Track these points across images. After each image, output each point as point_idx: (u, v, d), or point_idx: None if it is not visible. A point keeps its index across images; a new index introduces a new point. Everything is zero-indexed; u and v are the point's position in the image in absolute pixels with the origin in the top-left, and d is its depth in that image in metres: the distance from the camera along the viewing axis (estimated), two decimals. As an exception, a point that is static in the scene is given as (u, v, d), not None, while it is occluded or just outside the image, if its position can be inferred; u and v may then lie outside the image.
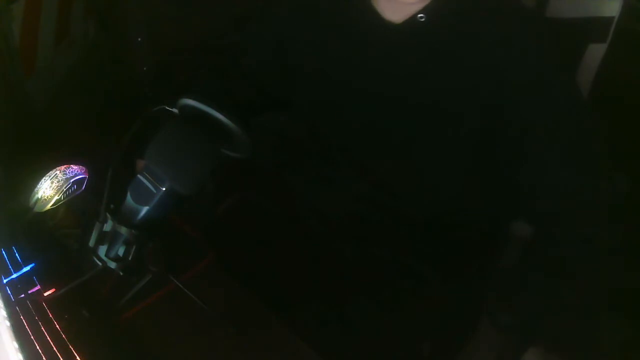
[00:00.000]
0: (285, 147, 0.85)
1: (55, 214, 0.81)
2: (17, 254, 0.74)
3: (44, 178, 0.78)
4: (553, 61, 0.70)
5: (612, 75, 0.87)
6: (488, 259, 0.86)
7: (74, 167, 0.79)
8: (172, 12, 1.47)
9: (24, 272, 0.72)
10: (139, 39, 1.46)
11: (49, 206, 0.77)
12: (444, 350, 0.84)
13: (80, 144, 1.00)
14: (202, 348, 0.70)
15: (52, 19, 1.18)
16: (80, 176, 0.79)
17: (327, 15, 0.77)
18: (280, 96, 0.83)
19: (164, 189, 0.65)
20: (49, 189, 0.77)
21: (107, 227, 0.66)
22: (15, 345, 0.52)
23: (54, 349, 0.60)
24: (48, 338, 0.61)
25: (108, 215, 0.66)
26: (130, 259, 0.66)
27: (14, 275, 0.72)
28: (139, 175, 0.67)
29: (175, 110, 0.71)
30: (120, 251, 0.66)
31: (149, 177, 0.66)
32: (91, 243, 0.66)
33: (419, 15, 0.68)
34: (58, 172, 0.78)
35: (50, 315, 0.66)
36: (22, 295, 0.69)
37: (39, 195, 0.78)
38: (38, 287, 0.71)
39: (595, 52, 0.86)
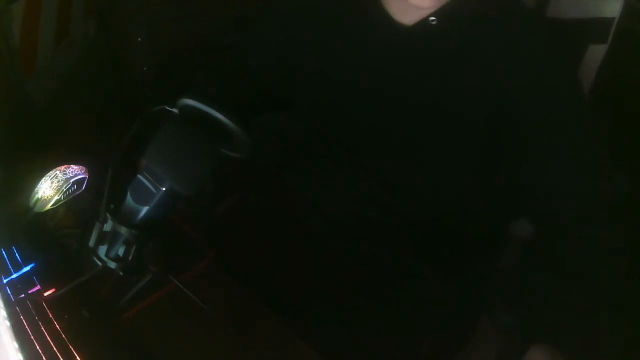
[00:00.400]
0: (286, 146, 0.84)
1: (55, 214, 0.81)
2: (17, 254, 0.74)
3: (44, 178, 0.78)
4: (558, 63, 0.71)
5: (612, 76, 0.87)
6: (488, 259, 0.86)
7: (74, 167, 0.79)
8: (172, 12, 1.47)
9: (24, 272, 0.72)
10: (139, 39, 1.46)
11: (49, 206, 0.77)
12: (444, 350, 0.84)
13: (80, 144, 1.00)
14: (202, 348, 0.70)
15: (52, 19, 1.18)
16: (80, 176, 0.79)
17: (331, 15, 0.77)
18: (283, 96, 0.83)
19: (164, 189, 0.65)
20: (49, 189, 0.77)
21: (107, 227, 0.66)
22: (15, 345, 0.52)
23: (54, 349, 0.60)
24: (48, 338, 0.61)
25: (108, 215, 0.66)
26: (130, 259, 0.66)
27: (14, 275, 0.72)
28: (139, 175, 0.67)
29: (175, 110, 0.71)
30: (120, 251, 0.66)
31: (149, 177, 0.66)
32: (91, 243, 0.66)
33: (431, 18, 0.68)
34: (58, 172, 0.78)
35: (50, 315, 0.66)
36: (22, 295, 0.69)
37: (39, 195, 0.77)
38: (38, 287, 0.71)
39: (596, 52, 0.86)
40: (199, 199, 0.72)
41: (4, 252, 0.74)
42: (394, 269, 0.81)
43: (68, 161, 0.81)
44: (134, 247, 0.66)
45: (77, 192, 0.79)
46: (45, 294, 0.70)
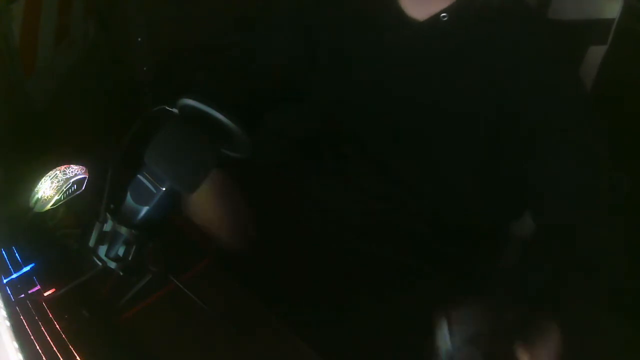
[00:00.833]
0: (289, 145, 0.84)
1: (55, 214, 0.81)
2: (17, 254, 0.74)
3: (44, 178, 0.78)
4: (560, 63, 0.71)
5: (612, 77, 0.87)
6: (489, 259, 0.86)
7: (74, 167, 0.79)
8: (172, 12, 1.47)
9: (24, 272, 0.72)
10: (139, 39, 1.46)
11: (49, 206, 0.77)
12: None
13: (80, 144, 1.00)
14: (202, 348, 0.70)
15: (52, 19, 1.18)
16: (80, 176, 0.79)
17: (345, 11, 0.77)
18: (292, 95, 0.83)
19: (164, 189, 0.65)
20: (49, 189, 0.77)
21: (107, 227, 0.66)
22: (15, 345, 0.52)
23: (54, 349, 0.60)
24: (48, 338, 0.61)
25: (108, 215, 0.66)
26: (130, 259, 0.66)
27: (14, 275, 0.72)
28: (139, 175, 0.67)
29: (175, 110, 0.71)
30: (120, 251, 0.66)
31: (149, 177, 0.66)
32: (91, 243, 0.66)
33: (442, 14, 0.68)
34: (58, 172, 0.78)
35: (50, 315, 0.66)
36: (22, 295, 0.69)
37: (39, 195, 0.77)
38: (38, 287, 0.71)
39: (596, 53, 0.86)
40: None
41: (4, 252, 0.74)
42: (395, 268, 0.81)
43: (68, 161, 0.80)
44: (134, 247, 0.66)
45: (77, 192, 0.79)
46: (45, 294, 0.70)
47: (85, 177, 0.80)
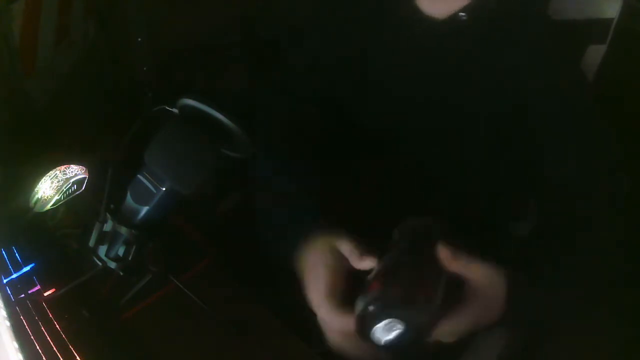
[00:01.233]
0: (304, 144, 0.83)
1: (55, 214, 0.81)
2: (17, 254, 0.74)
3: (44, 178, 0.78)
4: (572, 63, 0.73)
5: (611, 76, 0.87)
6: (489, 258, 0.85)
7: (74, 167, 0.79)
8: (172, 12, 1.47)
9: (24, 272, 0.72)
10: (139, 39, 1.46)
11: (49, 206, 0.77)
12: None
13: (80, 144, 1.00)
14: (202, 348, 0.70)
15: (52, 19, 1.18)
16: (80, 176, 0.79)
17: (364, 9, 0.77)
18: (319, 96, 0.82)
19: (164, 189, 0.65)
20: (49, 189, 0.77)
21: (107, 227, 0.66)
22: (15, 345, 0.52)
23: (54, 349, 0.60)
24: (48, 338, 0.61)
25: (108, 215, 0.66)
26: (130, 259, 0.66)
27: (14, 275, 0.72)
28: (139, 175, 0.67)
29: (175, 110, 0.71)
30: (120, 251, 0.66)
31: (149, 177, 0.66)
32: (91, 243, 0.66)
33: (461, 13, 0.69)
34: (58, 172, 0.78)
35: (50, 315, 0.66)
36: (22, 295, 0.69)
37: (39, 195, 0.77)
38: (38, 287, 0.71)
39: (595, 53, 0.86)
40: (199, 199, 0.72)
41: (4, 252, 0.74)
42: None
43: (68, 161, 0.80)
44: (134, 247, 0.66)
45: (77, 192, 0.79)
46: (45, 294, 0.70)
47: (85, 177, 0.80)
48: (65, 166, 0.80)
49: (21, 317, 0.62)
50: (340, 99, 0.81)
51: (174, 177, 0.65)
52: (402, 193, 0.80)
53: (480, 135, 0.74)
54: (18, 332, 0.54)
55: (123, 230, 0.65)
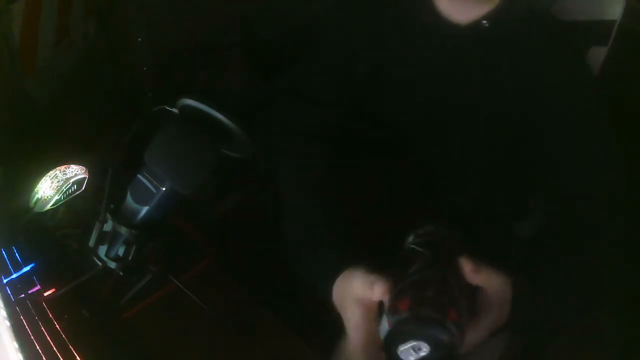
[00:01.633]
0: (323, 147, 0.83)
1: (55, 214, 0.81)
2: (17, 254, 0.74)
3: (44, 178, 0.78)
4: (585, 67, 0.73)
5: (613, 78, 0.87)
6: (490, 258, 0.86)
7: (74, 167, 0.79)
8: (172, 12, 1.47)
9: (24, 272, 0.72)
10: (139, 39, 1.45)
11: (49, 206, 0.77)
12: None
13: (80, 144, 1.00)
14: (202, 348, 0.70)
15: (52, 19, 1.18)
16: (80, 176, 0.79)
17: (385, 13, 0.77)
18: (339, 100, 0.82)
19: (164, 189, 0.65)
20: (49, 189, 0.77)
21: (107, 227, 0.66)
22: (15, 345, 0.52)
23: (54, 349, 0.60)
24: (48, 338, 0.61)
25: (108, 215, 0.66)
26: (130, 259, 0.66)
27: (14, 275, 0.72)
28: (139, 175, 0.67)
29: (175, 111, 0.71)
30: (120, 251, 0.66)
31: (149, 177, 0.66)
32: (91, 243, 0.66)
33: (483, 21, 0.69)
34: (58, 172, 0.78)
35: (50, 315, 0.66)
36: (22, 295, 0.69)
37: (39, 195, 0.77)
38: (38, 287, 0.71)
39: (597, 54, 0.86)
40: (200, 199, 0.72)
41: (4, 252, 0.74)
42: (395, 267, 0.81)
43: (68, 161, 0.80)
44: (134, 247, 0.66)
45: (77, 192, 0.79)
46: (45, 294, 0.70)
47: (85, 177, 0.80)
48: (65, 166, 0.80)
49: (21, 317, 0.62)
50: (359, 103, 0.81)
51: (174, 177, 0.65)
52: (416, 193, 0.81)
53: (497, 136, 0.75)
54: (18, 332, 0.54)
55: (123, 230, 0.65)
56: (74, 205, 0.81)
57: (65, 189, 0.78)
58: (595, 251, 0.65)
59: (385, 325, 0.46)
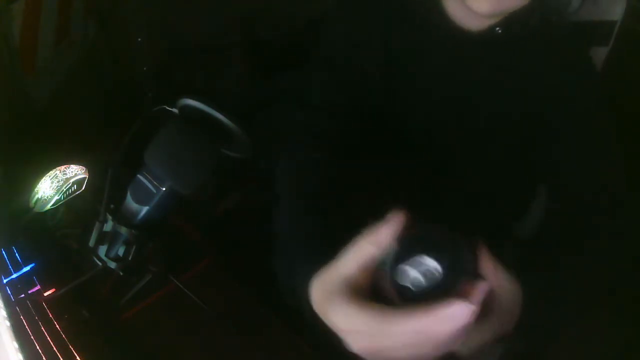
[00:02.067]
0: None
1: (55, 214, 0.81)
2: (17, 254, 0.74)
3: (44, 178, 0.78)
4: (594, 68, 0.74)
5: (614, 79, 0.87)
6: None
7: (74, 167, 0.79)
8: (172, 12, 1.47)
9: (24, 272, 0.72)
10: (139, 39, 1.45)
11: (49, 206, 0.77)
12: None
13: (80, 144, 1.00)
14: (202, 348, 0.70)
15: (52, 19, 1.18)
16: (80, 176, 0.79)
17: (396, 18, 0.77)
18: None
19: (164, 189, 0.65)
20: (49, 189, 0.77)
21: (107, 227, 0.66)
22: (15, 345, 0.52)
23: (54, 349, 0.60)
24: (48, 338, 0.61)
25: (108, 215, 0.66)
26: (130, 259, 0.66)
27: (14, 275, 0.72)
28: (139, 175, 0.67)
29: (175, 111, 0.71)
30: (120, 251, 0.66)
31: (149, 177, 0.66)
32: (91, 243, 0.66)
33: (496, 27, 0.70)
34: (58, 172, 0.78)
35: (50, 315, 0.66)
36: (22, 295, 0.69)
37: (39, 195, 0.77)
38: (38, 287, 0.71)
39: (598, 55, 0.86)
40: (200, 199, 0.72)
41: (4, 252, 0.74)
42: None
43: (68, 161, 0.80)
44: (134, 247, 0.66)
45: (77, 192, 0.79)
46: (45, 294, 0.70)
47: (85, 177, 0.80)
48: (65, 166, 0.80)
49: (21, 317, 0.62)
50: (365, 105, 0.81)
51: (174, 177, 0.65)
52: (417, 194, 0.81)
53: (506, 138, 0.75)
54: (18, 332, 0.54)
55: (123, 230, 0.65)
56: (74, 205, 0.81)
57: (65, 189, 0.78)
58: (596, 252, 0.65)
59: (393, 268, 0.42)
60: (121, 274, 0.66)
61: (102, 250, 0.66)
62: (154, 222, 0.67)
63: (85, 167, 0.81)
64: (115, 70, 1.50)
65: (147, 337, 0.70)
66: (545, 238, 0.68)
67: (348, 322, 0.46)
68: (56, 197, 0.77)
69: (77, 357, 0.60)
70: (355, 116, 0.81)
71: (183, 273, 0.75)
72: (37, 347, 0.58)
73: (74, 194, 0.79)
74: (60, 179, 0.78)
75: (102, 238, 0.66)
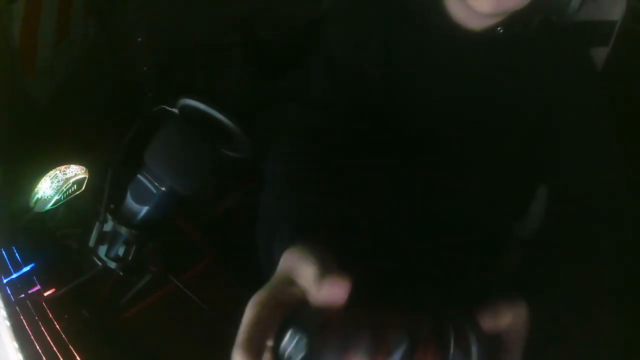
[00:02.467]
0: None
1: (55, 214, 0.81)
2: (17, 254, 0.74)
3: (44, 178, 0.78)
4: (595, 68, 0.74)
5: (614, 79, 0.88)
6: (492, 260, 0.86)
7: (74, 167, 0.79)
8: (172, 12, 1.47)
9: (24, 272, 0.72)
10: (139, 39, 1.46)
11: (49, 206, 0.77)
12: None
13: (80, 144, 1.00)
14: (202, 348, 0.70)
15: (52, 19, 1.18)
16: (80, 176, 0.79)
17: (397, 18, 0.77)
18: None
19: (164, 188, 0.65)
20: (49, 189, 0.77)
21: (107, 227, 0.66)
22: (15, 345, 0.52)
23: (54, 349, 0.60)
24: (48, 338, 0.61)
25: (108, 215, 0.66)
26: (130, 259, 0.66)
27: (14, 275, 0.72)
28: (139, 175, 0.67)
29: (175, 111, 0.71)
30: (120, 251, 0.66)
31: (149, 177, 0.66)
32: (91, 243, 0.66)
33: (498, 27, 0.70)
34: (58, 172, 0.78)
35: (50, 315, 0.66)
36: (22, 295, 0.69)
37: (39, 195, 0.77)
38: (38, 287, 0.71)
39: (598, 55, 0.86)
40: (199, 199, 0.72)
41: (4, 252, 0.74)
42: (395, 268, 0.81)
43: (68, 161, 0.80)
44: (134, 247, 0.66)
45: (77, 192, 0.79)
46: (45, 294, 0.70)
47: (85, 177, 0.80)
48: (65, 166, 0.80)
49: (21, 317, 0.62)
50: (365, 105, 0.81)
51: (174, 177, 0.65)
52: (415, 194, 0.81)
53: (507, 138, 0.75)
54: (18, 332, 0.54)
55: (123, 230, 0.65)
56: (74, 205, 0.81)
57: (65, 189, 0.78)
58: (596, 252, 0.65)
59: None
60: (121, 274, 0.66)
61: (102, 250, 0.66)
62: (154, 222, 0.67)
63: (85, 167, 0.81)
64: (115, 70, 1.50)
65: (147, 337, 0.70)
66: (546, 238, 0.68)
67: None
68: (56, 197, 0.77)
69: (77, 357, 0.60)
70: (355, 116, 0.81)
71: (183, 273, 0.75)
72: (37, 347, 0.58)
73: (74, 194, 0.79)
74: (60, 179, 0.78)
75: (102, 238, 0.66)
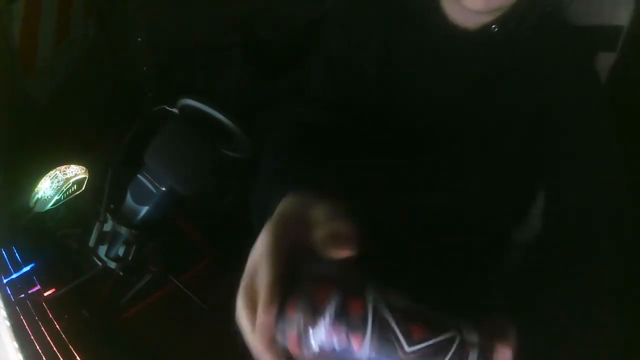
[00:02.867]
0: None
1: (55, 214, 0.81)
2: (17, 254, 0.74)
3: (44, 178, 0.78)
4: (593, 70, 0.74)
5: (621, 84, 0.87)
6: (492, 263, 0.86)
7: (74, 167, 0.79)
8: (172, 12, 1.47)
9: (24, 272, 0.72)
10: (139, 39, 1.46)
11: (49, 206, 0.77)
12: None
13: (80, 144, 1.00)
14: (202, 348, 0.70)
15: (52, 19, 1.18)
16: (80, 176, 0.79)
17: (393, 17, 0.77)
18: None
19: (164, 188, 0.65)
20: (49, 189, 0.77)
21: (107, 227, 0.66)
22: (15, 345, 0.52)
23: (54, 349, 0.60)
24: (48, 338, 0.61)
25: (108, 215, 0.66)
26: (130, 259, 0.66)
27: (14, 275, 0.72)
28: (139, 175, 0.67)
29: (175, 111, 0.71)
30: (120, 251, 0.66)
31: (149, 177, 0.66)
32: (91, 243, 0.67)
33: (492, 25, 0.70)
34: (58, 172, 0.78)
35: (50, 315, 0.66)
36: (22, 295, 0.69)
37: (39, 195, 0.77)
38: (38, 287, 0.71)
39: (605, 60, 0.86)
40: (199, 199, 0.72)
41: (4, 252, 0.74)
42: (395, 269, 0.81)
43: (68, 161, 0.80)
44: (134, 247, 0.66)
45: (77, 192, 0.79)
46: (45, 294, 0.70)
47: (85, 177, 0.80)
48: (65, 166, 0.80)
49: (21, 317, 0.62)
50: (363, 103, 0.81)
51: (173, 177, 0.65)
52: (415, 194, 0.81)
53: (504, 138, 0.75)
54: (18, 332, 0.54)
55: (123, 230, 0.65)
56: (74, 205, 0.81)
57: (65, 189, 0.78)
58: (596, 252, 0.65)
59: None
60: (121, 274, 0.66)
61: (102, 250, 0.66)
62: (154, 222, 0.67)
63: (85, 167, 0.81)
64: (115, 70, 1.50)
65: (147, 337, 0.70)
66: (546, 239, 0.68)
67: None
68: (56, 197, 0.77)
69: (77, 357, 0.60)
70: (355, 115, 0.81)
71: (183, 273, 0.75)
72: (37, 347, 0.58)
73: (74, 194, 0.79)
74: (60, 179, 0.78)
75: (102, 238, 0.66)
